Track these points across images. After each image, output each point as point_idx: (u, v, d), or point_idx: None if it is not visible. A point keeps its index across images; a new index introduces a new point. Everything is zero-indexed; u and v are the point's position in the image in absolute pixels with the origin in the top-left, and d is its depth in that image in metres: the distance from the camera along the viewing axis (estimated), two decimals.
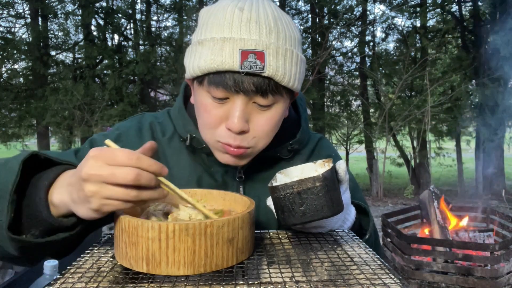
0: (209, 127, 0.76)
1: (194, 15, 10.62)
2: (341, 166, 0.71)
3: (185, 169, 0.85)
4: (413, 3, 10.90)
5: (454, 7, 10.74)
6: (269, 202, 0.72)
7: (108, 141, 0.60)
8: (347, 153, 14.13)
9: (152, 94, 11.66)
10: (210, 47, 0.70)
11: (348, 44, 24.27)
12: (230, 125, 0.72)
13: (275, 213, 0.69)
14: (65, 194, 0.60)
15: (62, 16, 10.64)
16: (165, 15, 11.78)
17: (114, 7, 10.77)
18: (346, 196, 0.73)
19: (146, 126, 0.89)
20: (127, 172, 0.53)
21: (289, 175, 0.73)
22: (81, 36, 10.74)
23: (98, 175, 0.54)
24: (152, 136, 0.87)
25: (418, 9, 10.59)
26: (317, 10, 10.39)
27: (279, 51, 0.71)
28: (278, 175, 0.73)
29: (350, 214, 0.77)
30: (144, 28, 10.82)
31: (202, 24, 0.75)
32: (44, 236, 0.63)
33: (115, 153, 0.55)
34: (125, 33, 11.22)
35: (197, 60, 0.72)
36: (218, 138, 0.76)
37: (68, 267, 0.58)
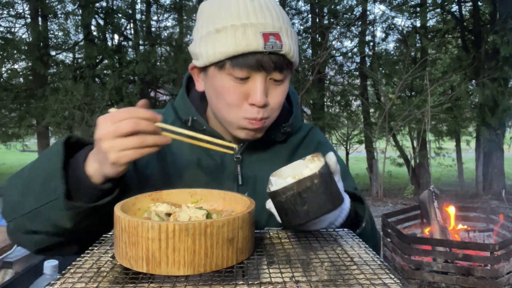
0: (233, 106, 0.83)
1: (194, 15, 10.61)
2: (331, 158, 0.74)
3: (186, 151, 0.92)
4: (413, 3, 10.89)
5: (454, 7, 10.74)
6: (269, 205, 0.74)
7: (111, 109, 0.72)
8: (347, 153, 14.11)
9: (152, 94, 11.65)
10: (232, 33, 0.78)
11: (348, 44, 24.26)
12: (254, 101, 0.81)
13: (278, 217, 0.71)
14: (93, 163, 0.72)
15: (62, 16, 10.64)
16: (165, 15, 11.78)
17: (114, 7, 10.76)
18: (340, 185, 0.77)
19: None
20: (127, 122, 0.67)
21: (282, 175, 0.72)
22: (81, 36, 10.73)
23: (107, 132, 0.67)
24: None
25: (418, 9, 10.59)
26: (317, 10, 10.39)
27: (287, 31, 0.81)
28: (272, 178, 0.73)
29: (345, 203, 0.80)
30: (144, 28, 10.81)
31: (211, 15, 0.82)
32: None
33: (116, 113, 0.69)
34: (125, 33, 11.21)
35: (218, 46, 0.79)
36: (244, 115, 0.83)
37: (68, 267, 0.58)
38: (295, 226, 0.67)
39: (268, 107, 0.84)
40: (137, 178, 0.87)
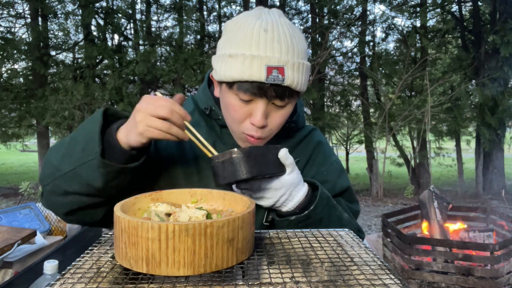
0: (236, 122, 0.94)
1: (194, 15, 10.61)
2: (280, 153, 0.87)
3: (202, 136, 1.05)
4: (413, 3, 10.89)
5: (454, 7, 10.74)
6: (236, 188, 0.88)
7: (157, 92, 0.86)
8: (347, 153, 14.12)
9: (152, 94, 11.63)
10: (241, 61, 0.86)
11: (348, 44, 24.24)
12: (254, 121, 0.90)
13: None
14: (124, 130, 0.83)
15: (62, 16, 10.63)
16: (165, 15, 11.78)
17: (114, 7, 10.75)
18: (292, 176, 0.88)
19: None
20: (165, 108, 0.79)
21: None
22: (81, 36, 10.73)
23: (146, 108, 0.80)
24: None
25: (418, 9, 10.58)
26: (317, 10, 10.38)
27: (295, 65, 0.87)
28: None
29: (298, 191, 0.90)
30: (144, 28, 10.81)
31: (230, 38, 0.91)
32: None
33: (159, 98, 0.82)
34: (125, 33, 11.21)
35: (228, 70, 0.89)
36: (243, 130, 0.93)
37: (68, 268, 0.58)
38: (218, 184, 0.81)
39: (267, 128, 0.93)
40: (156, 157, 0.99)
